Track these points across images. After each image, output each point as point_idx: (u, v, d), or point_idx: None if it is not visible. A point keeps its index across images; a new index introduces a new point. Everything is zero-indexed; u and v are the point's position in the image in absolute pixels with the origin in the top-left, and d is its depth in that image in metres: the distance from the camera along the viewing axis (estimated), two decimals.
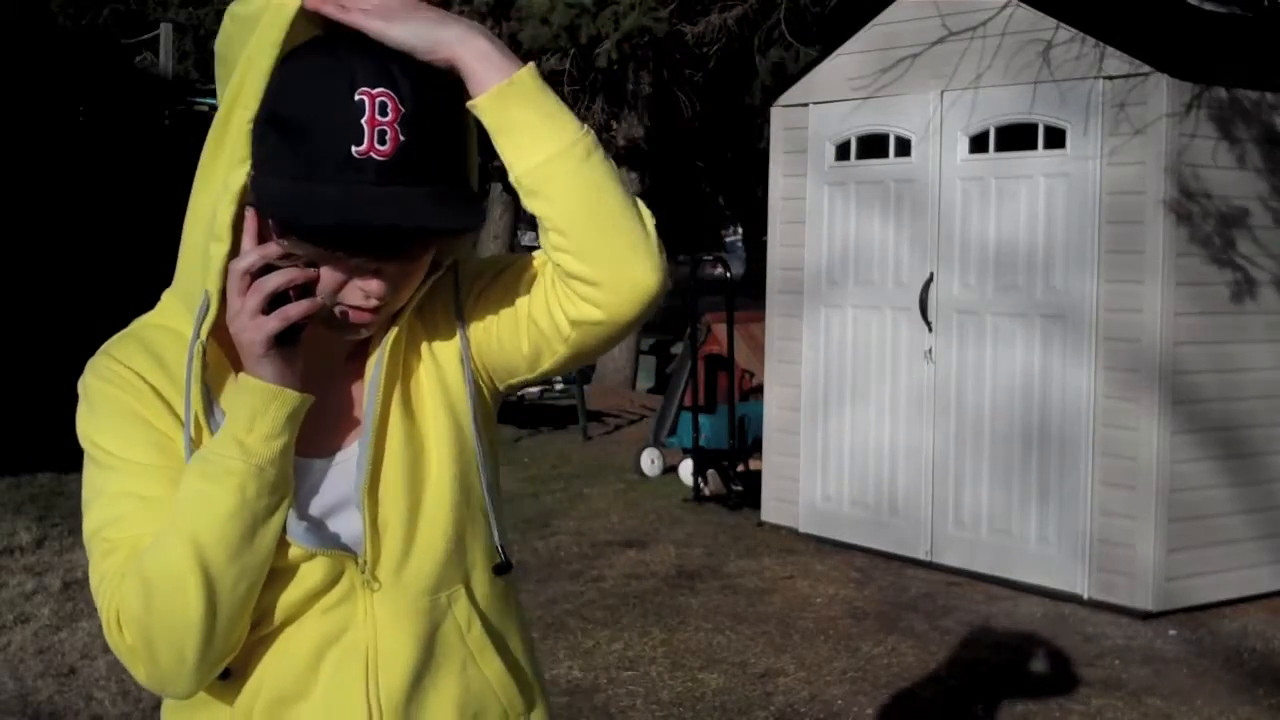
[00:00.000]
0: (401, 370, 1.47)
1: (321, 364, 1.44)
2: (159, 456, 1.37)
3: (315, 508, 1.43)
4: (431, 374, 1.48)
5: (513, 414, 11.44)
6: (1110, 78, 6.15)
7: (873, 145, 7.21)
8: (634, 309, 1.37)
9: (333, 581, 1.42)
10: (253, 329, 1.32)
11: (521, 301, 1.44)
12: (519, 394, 11.39)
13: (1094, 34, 6.22)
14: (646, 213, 1.38)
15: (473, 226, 1.38)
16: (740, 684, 5.13)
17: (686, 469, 8.84)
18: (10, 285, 12.61)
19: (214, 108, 1.45)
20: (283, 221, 1.33)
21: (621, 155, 13.85)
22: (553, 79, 13.41)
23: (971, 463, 6.70)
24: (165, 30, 17.34)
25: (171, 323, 1.45)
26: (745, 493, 8.24)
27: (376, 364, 1.45)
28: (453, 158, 1.38)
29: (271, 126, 1.33)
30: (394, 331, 1.45)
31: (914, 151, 6.94)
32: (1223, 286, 6.24)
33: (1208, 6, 7.28)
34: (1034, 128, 6.44)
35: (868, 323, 7.19)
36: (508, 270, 1.48)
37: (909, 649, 5.60)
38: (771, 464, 7.79)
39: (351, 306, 1.37)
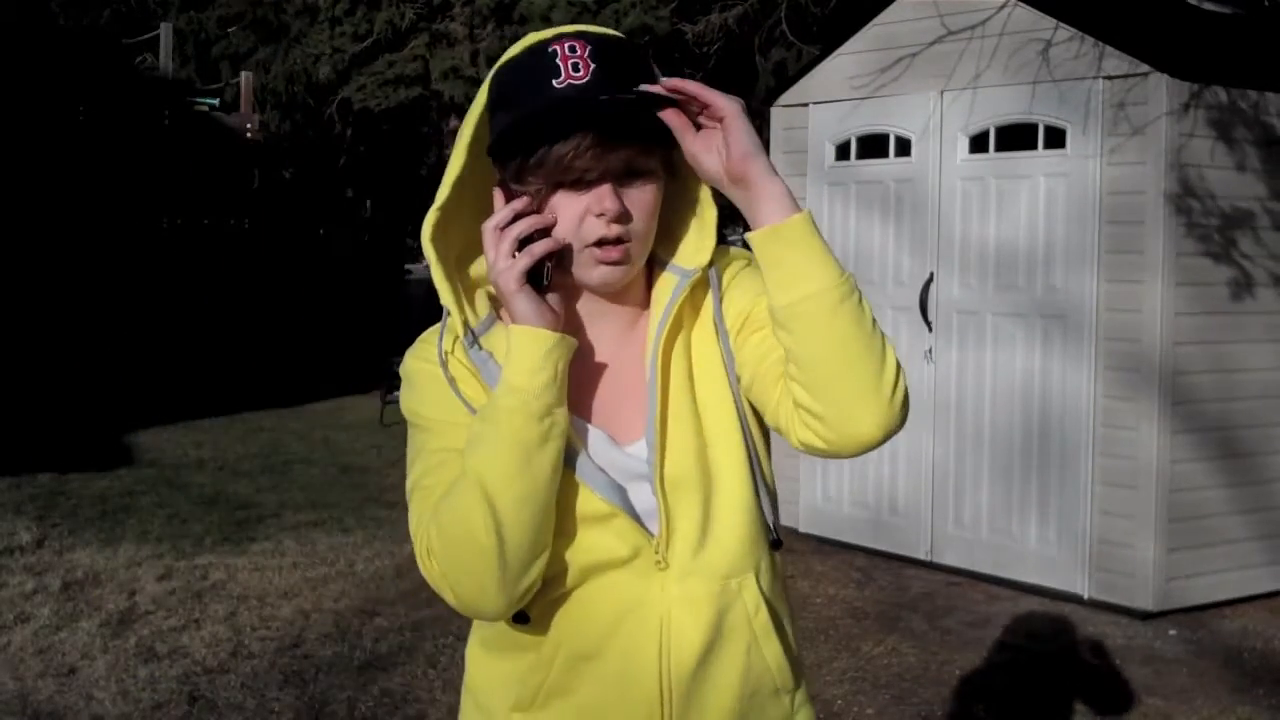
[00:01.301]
0: (676, 363, 1.59)
1: (624, 345, 1.61)
2: (464, 416, 1.54)
3: (618, 473, 1.56)
4: (705, 369, 1.61)
5: None
6: (1110, 77, 6.15)
7: (872, 145, 7.21)
8: (853, 450, 1.50)
9: (629, 555, 1.54)
10: (506, 271, 1.49)
11: (767, 378, 1.56)
12: None
13: (1093, 34, 6.22)
14: (892, 365, 1.50)
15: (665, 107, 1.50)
16: None
17: None
18: (10, 285, 12.61)
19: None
20: (504, 146, 1.51)
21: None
22: None
23: (972, 463, 6.70)
24: (165, 31, 17.34)
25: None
26: None
27: (653, 352, 1.57)
28: (648, 79, 1.51)
29: (492, 110, 1.54)
30: (667, 320, 1.57)
31: (914, 151, 6.94)
32: (1223, 286, 6.24)
33: (1208, 6, 7.28)
34: (1034, 127, 6.44)
35: None
36: (762, 327, 1.57)
37: (909, 649, 5.60)
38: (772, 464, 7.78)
39: (597, 244, 1.51)
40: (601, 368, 1.60)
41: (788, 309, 1.46)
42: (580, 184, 1.50)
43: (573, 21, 11.79)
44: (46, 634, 5.49)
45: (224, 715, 4.73)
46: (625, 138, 1.49)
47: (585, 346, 1.59)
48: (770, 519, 1.63)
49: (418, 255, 26.33)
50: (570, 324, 1.57)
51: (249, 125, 15.81)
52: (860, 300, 1.49)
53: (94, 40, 16.29)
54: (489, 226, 1.51)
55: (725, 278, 1.63)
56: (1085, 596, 6.24)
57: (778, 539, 1.64)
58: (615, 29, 9.42)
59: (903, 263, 7.00)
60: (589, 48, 1.49)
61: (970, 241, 6.70)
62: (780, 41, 12.39)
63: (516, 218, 1.50)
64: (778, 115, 7.66)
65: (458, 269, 1.61)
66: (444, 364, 1.56)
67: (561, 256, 1.52)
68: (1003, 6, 6.53)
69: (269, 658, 5.28)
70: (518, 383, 1.48)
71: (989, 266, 6.62)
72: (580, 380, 1.58)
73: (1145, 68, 6.04)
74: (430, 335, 1.61)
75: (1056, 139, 6.34)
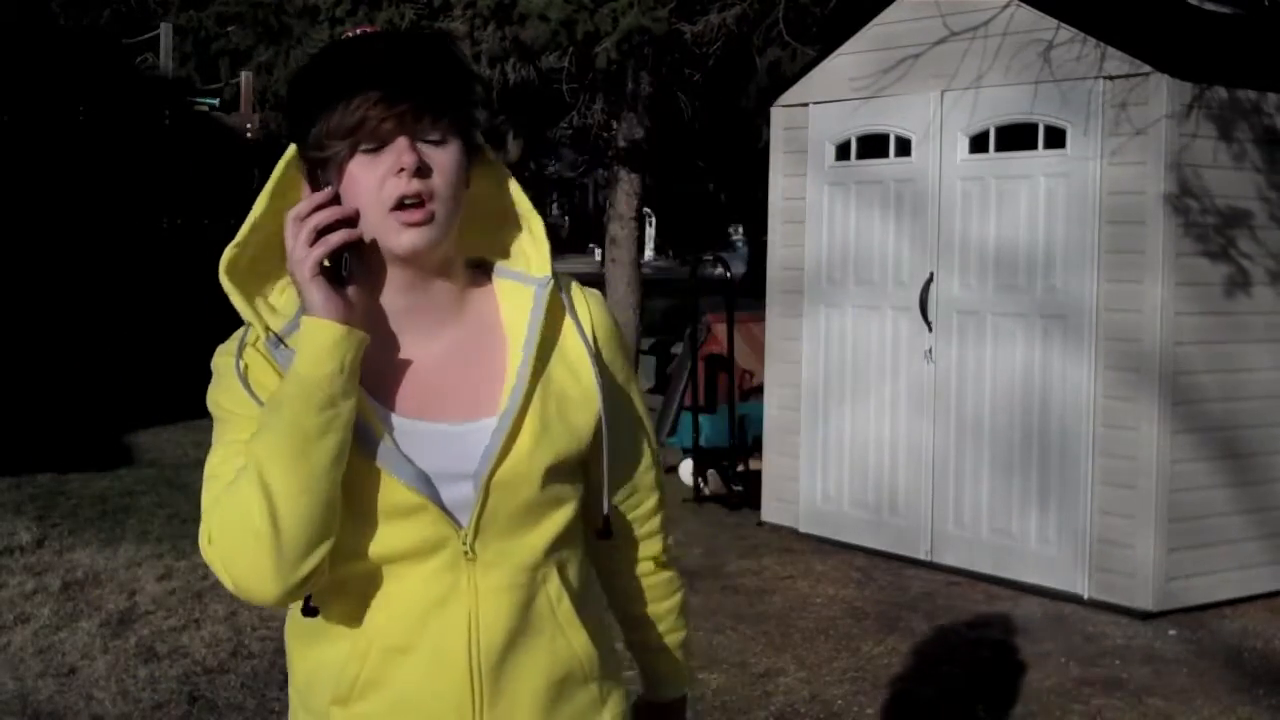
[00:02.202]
0: (542, 355, 1.62)
1: (452, 332, 1.62)
2: (257, 409, 1.54)
3: (430, 464, 1.56)
4: (571, 371, 1.64)
5: None
6: (1111, 78, 6.15)
7: (873, 145, 7.21)
8: None
9: (435, 545, 1.56)
10: (300, 261, 1.49)
11: (618, 474, 1.73)
12: None
13: (1094, 34, 6.22)
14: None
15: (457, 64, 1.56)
16: (740, 684, 5.13)
17: (686, 469, 8.84)
18: (10, 285, 12.60)
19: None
20: (301, 109, 1.54)
21: (622, 155, 13.84)
22: (552, 77, 13.42)
23: (972, 462, 6.70)
24: (165, 31, 17.34)
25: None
26: (745, 492, 8.24)
27: (526, 348, 1.60)
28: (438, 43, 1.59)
29: (290, 100, 1.59)
30: (539, 322, 1.61)
31: (914, 151, 6.94)
32: (1223, 286, 6.24)
33: (1208, 6, 7.28)
34: (1034, 128, 6.44)
35: (868, 322, 7.19)
36: (625, 428, 1.73)
37: (909, 649, 5.60)
38: (771, 464, 7.79)
39: (398, 207, 1.51)
40: (419, 357, 1.60)
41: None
42: (377, 142, 1.50)
43: (569, 19, 11.79)
44: (46, 634, 5.49)
45: (224, 715, 4.73)
46: (414, 87, 1.51)
47: (402, 337, 1.60)
48: (605, 506, 1.68)
49: None
50: (381, 315, 1.58)
51: (249, 125, 15.80)
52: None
53: (94, 40, 16.29)
54: (290, 216, 1.51)
55: (575, 300, 1.69)
56: (1085, 596, 6.24)
57: (607, 528, 1.69)
58: (613, 30, 9.34)
59: (903, 263, 7.00)
60: (380, 27, 1.58)
61: (970, 241, 6.69)
62: (776, 42, 12.39)
63: (317, 210, 1.50)
64: (778, 115, 7.66)
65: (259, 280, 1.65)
66: (239, 355, 1.58)
67: (361, 248, 1.52)
68: (1004, 7, 6.53)
69: (269, 658, 5.28)
70: (302, 372, 1.49)
71: (989, 266, 6.62)
72: (392, 370, 1.59)
73: (1146, 68, 6.03)
74: (241, 330, 1.64)
75: (1057, 139, 6.34)
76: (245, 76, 16.07)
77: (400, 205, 1.51)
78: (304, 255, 1.49)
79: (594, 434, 1.64)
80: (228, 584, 1.55)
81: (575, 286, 1.71)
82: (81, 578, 6.31)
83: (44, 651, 5.28)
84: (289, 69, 14.95)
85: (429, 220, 1.52)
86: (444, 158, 1.53)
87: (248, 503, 1.49)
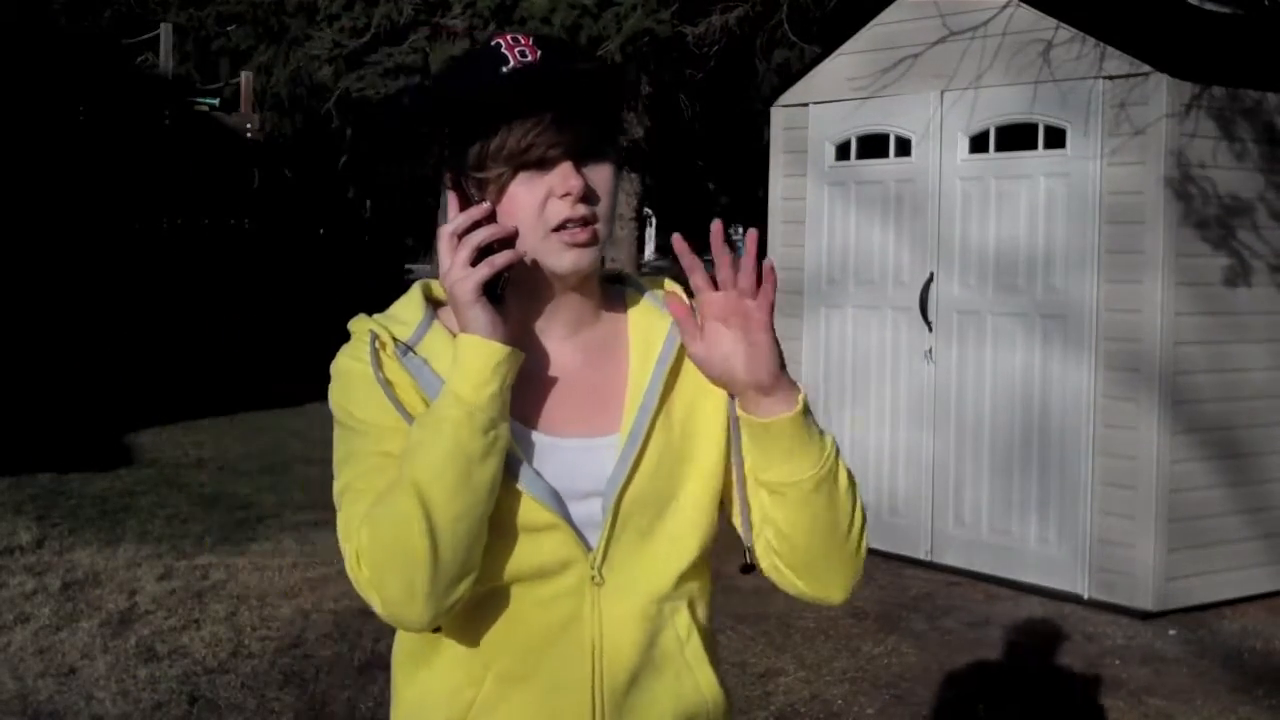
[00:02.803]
0: (671, 380, 1.58)
1: (578, 347, 1.58)
2: (399, 420, 1.50)
3: (557, 480, 1.52)
4: (695, 394, 1.58)
5: None
6: (1110, 78, 6.15)
7: (873, 145, 7.21)
8: (818, 603, 1.61)
9: (562, 565, 1.52)
10: (462, 280, 1.45)
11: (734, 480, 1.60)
12: None
13: (1094, 34, 6.22)
14: (859, 528, 1.58)
15: (628, 81, 1.53)
16: (740, 684, 5.13)
17: None
18: (11, 285, 12.61)
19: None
20: (461, 135, 1.50)
21: (622, 156, 13.87)
22: None
23: (971, 463, 6.70)
24: (165, 31, 17.34)
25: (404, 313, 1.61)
26: None
27: (660, 361, 1.57)
28: (596, 62, 1.58)
29: (438, 111, 1.55)
30: (677, 341, 1.56)
31: (914, 151, 6.94)
32: (1223, 286, 6.24)
33: (1208, 6, 7.28)
34: (1034, 128, 6.44)
35: (868, 323, 7.19)
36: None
37: (909, 649, 5.60)
38: None
39: (562, 228, 1.48)
40: (551, 371, 1.57)
41: (774, 485, 1.52)
42: (541, 165, 1.48)
43: (574, 23, 11.81)
44: (46, 634, 5.49)
45: (224, 715, 4.73)
46: (584, 113, 1.48)
47: (535, 349, 1.56)
48: (746, 541, 1.60)
49: (418, 255, 26.34)
50: (520, 328, 1.54)
51: (249, 125, 15.81)
52: (836, 475, 1.54)
53: (94, 40, 16.30)
54: (446, 232, 1.47)
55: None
56: (1085, 596, 6.24)
57: (750, 564, 1.61)
58: (617, 32, 9.37)
59: (903, 263, 7.00)
60: (531, 38, 1.51)
61: (970, 241, 6.69)
62: (783, 42, 12.39)
63: (476, 225, 1.47)
64: (778, 115, 7.66)
65: None
66: (378, 366, 1.52)
67: (522, 266, 1.50)
68: (1004, 7, 6.53)
69: (269, 658, 5.28)
70: (464, 394, 1.45)
71: (989, 266, 6.62)
72: (527, 383, 1.54)
73: (1146, 68, 6.04)
74: (363, 333, 1.57)
75: (1057, 139, 6.34)
76: (245, 76, 16.08)
77: (563, 225, 1.48)
78: (464, 274, 1.45)
79: (724, 460, 1.59)
80: (375, 605, 1.49)
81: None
82: (81, 578, 6.31)
83: (44, 651, 5.28)
84: (288, 68, 14.94)
85: (593, 241, 1.50)
86: (603, 178, 1.51)
87: (406, 524, 1.44)
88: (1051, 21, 6.36)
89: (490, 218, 1.48)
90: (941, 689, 5.17)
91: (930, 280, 6.85)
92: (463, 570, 1.46)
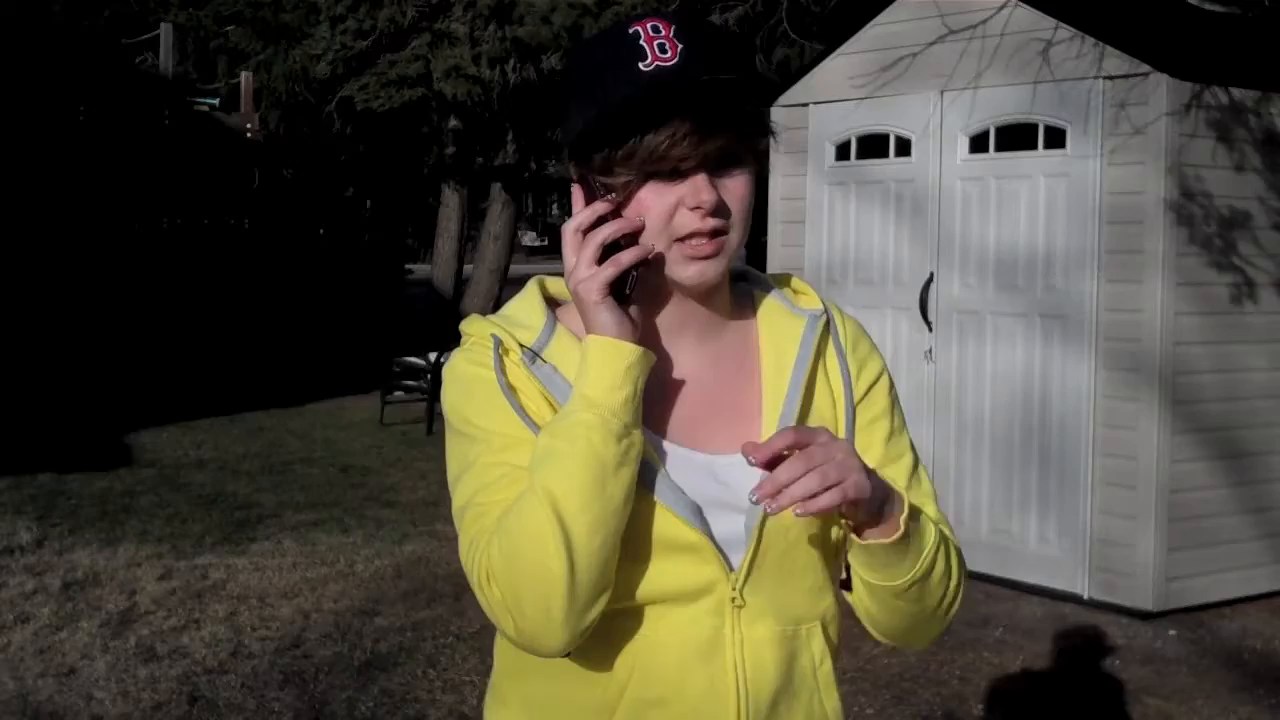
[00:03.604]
0: (809, 387, 1.51)
1: (711, 355, 1.52)
2: (525, 431, 1.42)
3: (698, 496, 1.44)
4: (823, 407, 1.53)
5: None
6: (1110, 77, 6.15)
7: (873, 145, 7.21)
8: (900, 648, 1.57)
9: (703, 586, 1.44)
10: (588, 279, 1.38)
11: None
12: None
13: (1094, 34, 6.22)
14: (952, 601, 1.51)
15: (765, 92, 1.45)
16: None
17: None
18: (10, 285, 12.60)
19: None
20: (591, 137, 1.40)
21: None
22: (553, 78, 13.41)
23: (971, 463, 6.70)
24: (165, 30, 17.35)
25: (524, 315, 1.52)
26: None
27: (796, 367, 1.50)
28: (739, 59, 1.44)
29: (568, 100, 1.45)
30: (810, 356, 1.51)
31: (914, 151, 6.94)
32: (1223, 287, 6.24)
33: (1208, 6, 7.29)
34: (1034, 127, 6.44)
35: (868, 323, 7.08)
36: (876, 421, 1.57)
37: (909, 649, 5.60)
38: None
39: (689, 239, 1.41)
40: (682, 379, 1.50)
41: (871, 587, 1.47)
42: (673, 174, 1.40)
43: (574, 23, 11.80)
44: (46, 634, 5.49)
45: (224, 715, 4.73)
46: (723, 124, 1.39)
47: (663, 356, 1.48)
48: (845, 558, 1.54)
49: (418, 255, 26.30)
50: (648, 333, 1.46)
51: (249, 125, 15.81)
52: (931, 571, 1.47)
53: (94, 40, 16.30)
54: (569, 229, 1.40)
55: (842, 332, 1.57)
56: (1085, 596, 6.23)
57: (847, 580, 1.54)
58: None
59: (903, 263, 7.00)
60: (672, 27, 1.40)
61: (970, 241, 6.69)
62: (783, 40, 12.39)
63: (600, 221, 1.40)
64: (778, 115, 7.65)
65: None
66: (502, 371, 1.44)
67: (648, 265, 1.41)
68: (1003, 6, 6.53)
69: (269, 658, 5.28)
70: (596, 397, 1.37)
71: (989, 266, 6.62)
72: (658, 392, 1.46)
73: (1146, 68, 6.03)
74: (484, 336, 1.48)
75: (1057, 139, 6.34)
76: (245, 76, 16.08)
77: (690, 237, 1.41)
78: (590, 274, 1.38)
79: None
80: (507, 628, 1.39)
81: (841, 317, 1.59)
82: (81, 578, 6.32)
83: (44, 651, 5.28)
84: (287, 65, 14.94)
85: (718, 253, 1.43)
86: (739, 188, 1.44)
87: (541, 540, 1.34)
88: (1051, 21, 6.36)
89: (615, 212, 1.41)
90: (941, 689, 5.17)
91: (930, 280, 6.85)
92: (598, 589, 1.37)
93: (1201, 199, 6.11)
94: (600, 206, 1.40)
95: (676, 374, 1.49)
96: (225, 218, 15.49)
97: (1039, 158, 6.42)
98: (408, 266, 19.29)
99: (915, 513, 1.45)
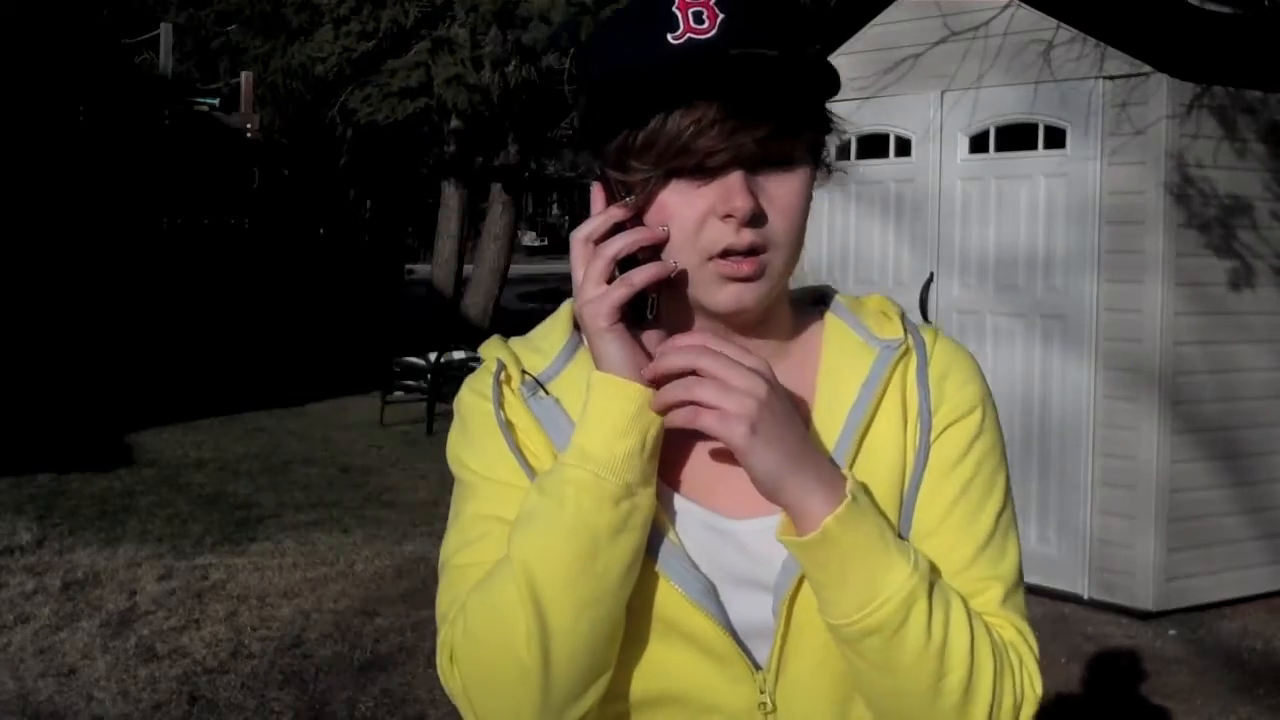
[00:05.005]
0: (865, 435, 1.21)
1: None
2: (520, 476, 1.19)
3: (711, 568, 1.18)
4: (877, 461, 1.21)
5: None
6: (1111, 78, 6.15)
7: (873, 145, 7.21)
8: None
9: (721, 687, 1.17)
10: (595, 301, 1.12)
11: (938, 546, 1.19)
12: None
13: (1094, 34, 6.22)
14: (958, 701, 1.12)
15: (819, 73, 1.13)
16: None
17: None
18: (11, 285, 12.61)
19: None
20: (603, 118, 1.15)
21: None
22: (553, 78, 13.42)
23: None
24: (165, 30, 17.36)
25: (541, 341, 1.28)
26: None
27: (853, 410, 1.20)
28: (794, 35, 1.15)
29: (584, 72, 1.21)
30: (871, 400, 1.21)
31: (914, 152, 6.94)
32: (1223, 287, 6.24)
33: (1208, 6, 7.28)
34: (1034, 128, 6.44)
35: None
36: (942, 531, 1.20)
37: None
38: None
39: (721, 257, 1.14)
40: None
41: (834, 630, 1.14)
42: (702, 172, 1.13)
43: (572, 21, 11.78)
44: (46, 634, 5.49)
45: (224, 715, 4.73)
46: (764, 112, 1.11)
47: None
48: None
49: (418, 255, 26.30)
50: None
51: (249, 125, 15.82)
52: (908, 632, 1.10)
53: (94, 39, 16.30)
54: (579, 237, 1.14)
55: (933, 359, 1.27)
56: (1085, 596, 6.23)
57: None
58: None
59: (903, 263, 7.00)
60: None
61: (970, 241, 6.69)
62: None
63: (617, 229, 1.14)
64: None
65: None
66: (499, 404, 1.20)
67: (671, 284, 1.15)
68: (1004, 7, 6.53)
69: (269, 658, 5.28)
70: (592, 449, 1.11)
71: (989, 266, 6.62)
72: (679, 439, 1.18)
73: (1146, 68, 6.04)
74: (491, 361, 1.24)
75: (1057, 139, 6.34)
76: (245, 76, 16.10)
77: (725, 253, 1.14)
78: (598, 294, 1.12)
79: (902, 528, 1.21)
80: (468, 718, 1.17)
81: (934, 343, 1.30)
82: (81, 578, 6.31)
83: (44, 651, 5.28)
84: (284, 60, 14.95)
85: (759, 274, 1.14)
86: (788, 192, 1.15)
87: (510, 621, 1.11)
88: (1052, 22, 6.36)
89: (637, 219, 1.15)
90: None
91: (930, 280, 6.85)
92: (584, 682, 1.13)
93: (1202, 199, 6.11)
94: (616, 212, 1.15)
95: None
96: (225, 218, 15.50)
97: (1039, 158, 6.42)
98: (408, 266, 19.30)
99: (861, 519, 1.10)
